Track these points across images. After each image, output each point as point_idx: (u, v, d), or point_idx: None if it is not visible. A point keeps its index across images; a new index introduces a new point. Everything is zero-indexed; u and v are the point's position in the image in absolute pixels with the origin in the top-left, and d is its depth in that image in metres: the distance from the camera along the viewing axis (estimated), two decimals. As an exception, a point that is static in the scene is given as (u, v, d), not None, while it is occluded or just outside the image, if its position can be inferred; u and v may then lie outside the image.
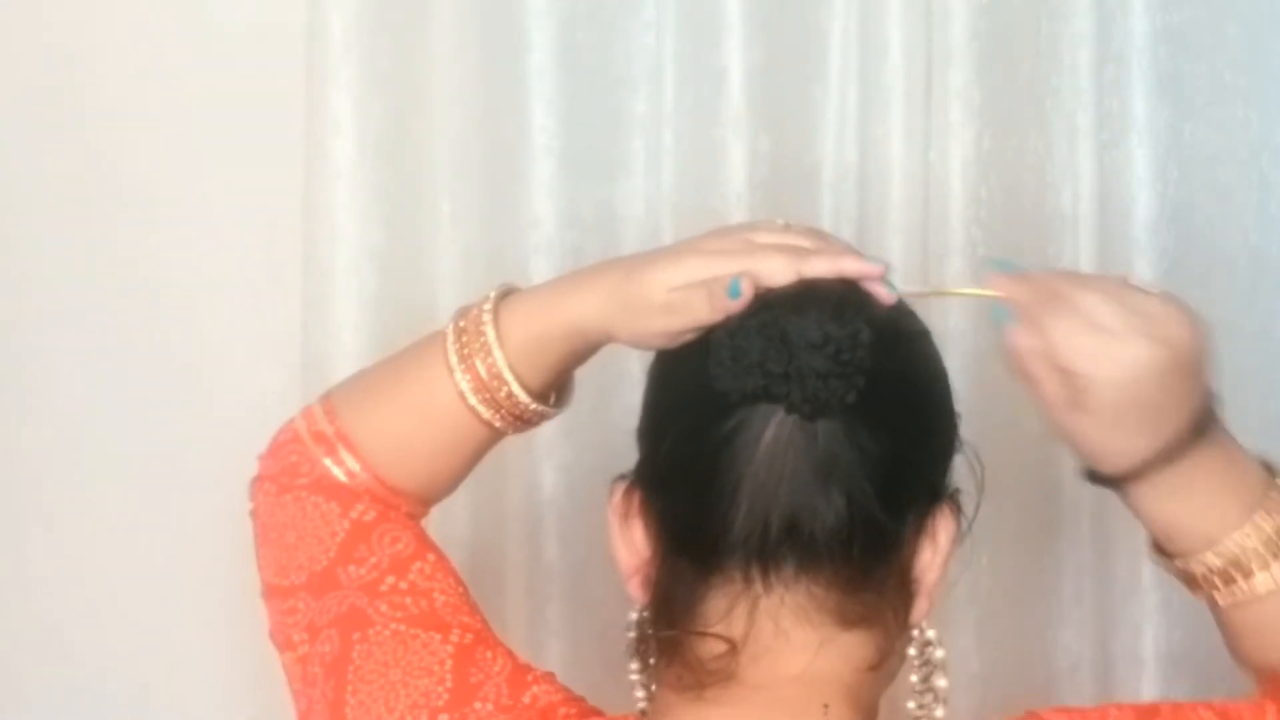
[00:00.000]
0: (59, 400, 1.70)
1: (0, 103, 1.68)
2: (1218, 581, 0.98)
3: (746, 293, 0.95)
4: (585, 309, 1.03)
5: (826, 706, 0.95)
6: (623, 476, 1.01)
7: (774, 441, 0.93)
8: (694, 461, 0.95)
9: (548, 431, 1.50)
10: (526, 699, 1.00)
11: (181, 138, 1.66)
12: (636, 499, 0.99)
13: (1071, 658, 1.53)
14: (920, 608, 0.98)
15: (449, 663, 1.02)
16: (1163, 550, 1.01)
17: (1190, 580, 1.00)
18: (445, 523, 1.53)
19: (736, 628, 0.95)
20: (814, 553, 0.93)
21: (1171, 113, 1.47)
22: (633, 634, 1.00)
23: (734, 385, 0.94)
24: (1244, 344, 1.48)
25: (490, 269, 1.54)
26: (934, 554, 0.97)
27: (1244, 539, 0.97)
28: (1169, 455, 0.97)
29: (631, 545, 0.99)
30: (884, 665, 0.97)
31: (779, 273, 0.96)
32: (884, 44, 1.48)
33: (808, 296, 0.96)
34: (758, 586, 0.94)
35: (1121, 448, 0.97)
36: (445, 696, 1.01)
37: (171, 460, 1.67)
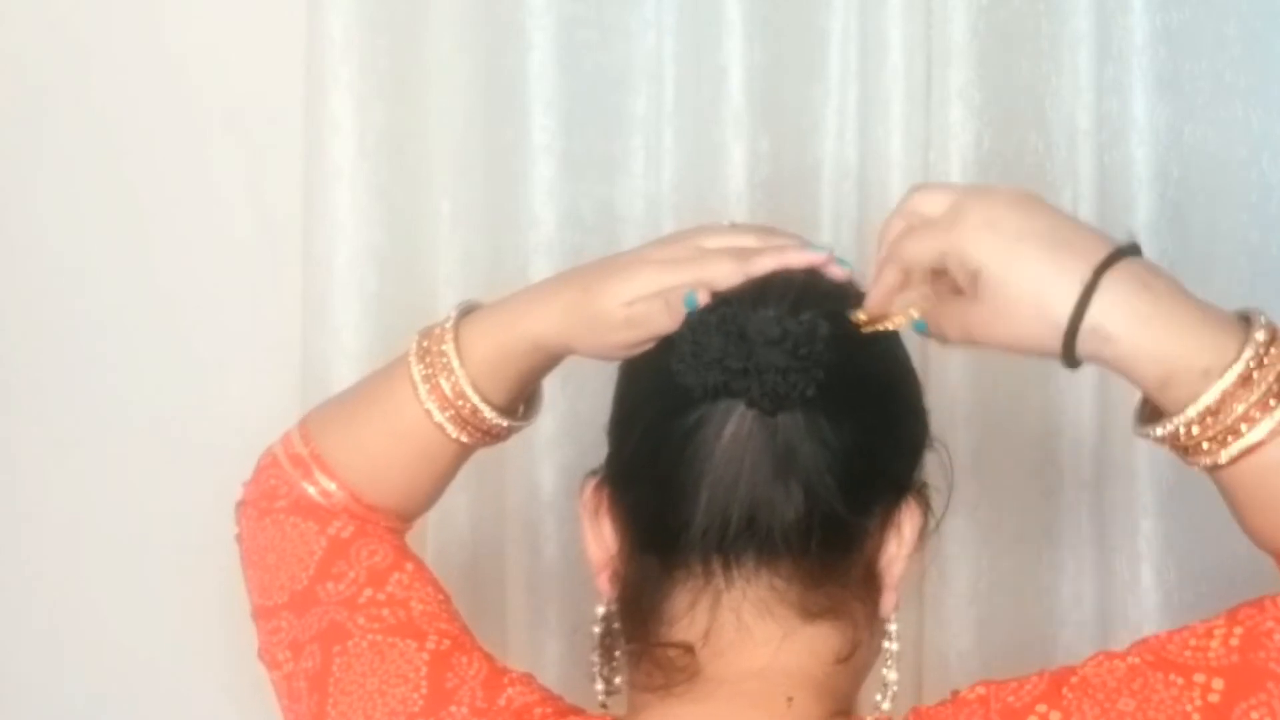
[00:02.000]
0: (58, 400, 1.70)
1: (2, 104, 1.68)
2: (1217, 432, 0.89)
3: (703, 302, 0.96)
4: (544, 326, 1.04)
5: (790, 700, 0.96)
6: (593, 472, 1.02)
7: (734, 436, 0.94)
8: (656, 457, 0.96)
9: (548, 431, 1.51)
10: (502, 701, 1.01)
11: (182, 137, 1.66)
12: (605, 495, 1.01)
13: (1071, 658, 1.52)
14: (888, 601, 0.99)
15: (424, 669, 1.03)
16: (1155, 418, 0.92)
17: (1188, 444, 0.91)
18: (445, 523, 1.54)
19: (700, 623, 0.96)
20: (773, 546, 0.95)
21: (1171, 113, 1.47)
22: (598, 628, 1.02)
23: (695, 381, 0.95)
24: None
25: (490, 269, 1.54)
26: (899, 547, 0.98)
27: (1244, 366, 0.88)
28: (1106, 267, 0.89)
29: (601, 540, 1.01)
30: (854, 658, 0.98)
31: (728, 277, 0.98)
32: (884, 44, 1.48)
33: (767, 291, 0.97)
34: (719, 581, 0.96)
35: (1048, 285, 0.89)
36: (420, 703, 1.02)
37: (171, 460, 1.67)
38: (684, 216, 1.49)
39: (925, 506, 1.00)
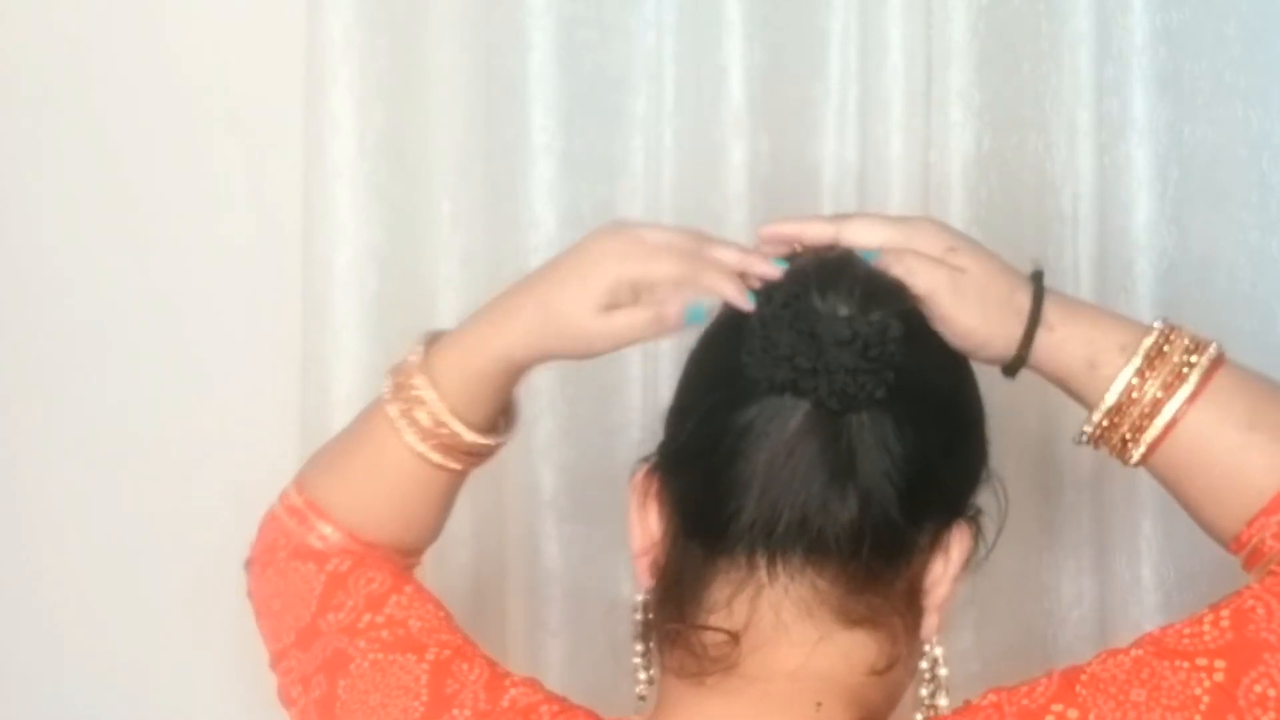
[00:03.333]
0: (58, 400, 1.70)
1: (1, 104, 1.68)
2: (1137, 418, 1.00)
3: (711, 312, 0.99)
4: (517, 344, 1.05)
5: (819, 705, 0.95)
6: (646, 458, 1.02)
7: (796, 433, 0.94)
8: (715, 445, 0.96)
9: (547, 432, 1.51)
10: (505, 702, 1.01)
11: (182, 137, 1.66)
12: (656, 481, 1.01)
13: (1071, 658, 1.51)
14: (930, 623, 0.98)
15: (424, 678, 1.03)
16: (1090, 424, 1.02)
17: (1118, 435, 1.01)
18: (446, 523, 1.54)
19: (738, 616, 0.96)
20: (823, 547, 0.94)
21: (1171, 113, 1.47)
22: (638, 616, 1.02)
23: (763, 375, 0.95)
24: (1244, 344, 1.47)
25: (490, 269, 1.54)
26: (945, 568, 0.98)
27: (1152, 342, 1.00)
28: (1040, 284, 1.02)
29: (645, 527, 1.01)
30: (890, 672, 0.97)
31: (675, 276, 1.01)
32: (884, 44, 1.48)
33: (838, 287, 0.97)
34: (762, 575, 0.95)
35: (1012, 292, 1.01)
36: (421, 710, 1.02)
37: (171, 460, 1.67)
38: (684, 216, 1.49)
39: (976, 533, 1.00)
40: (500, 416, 1.12)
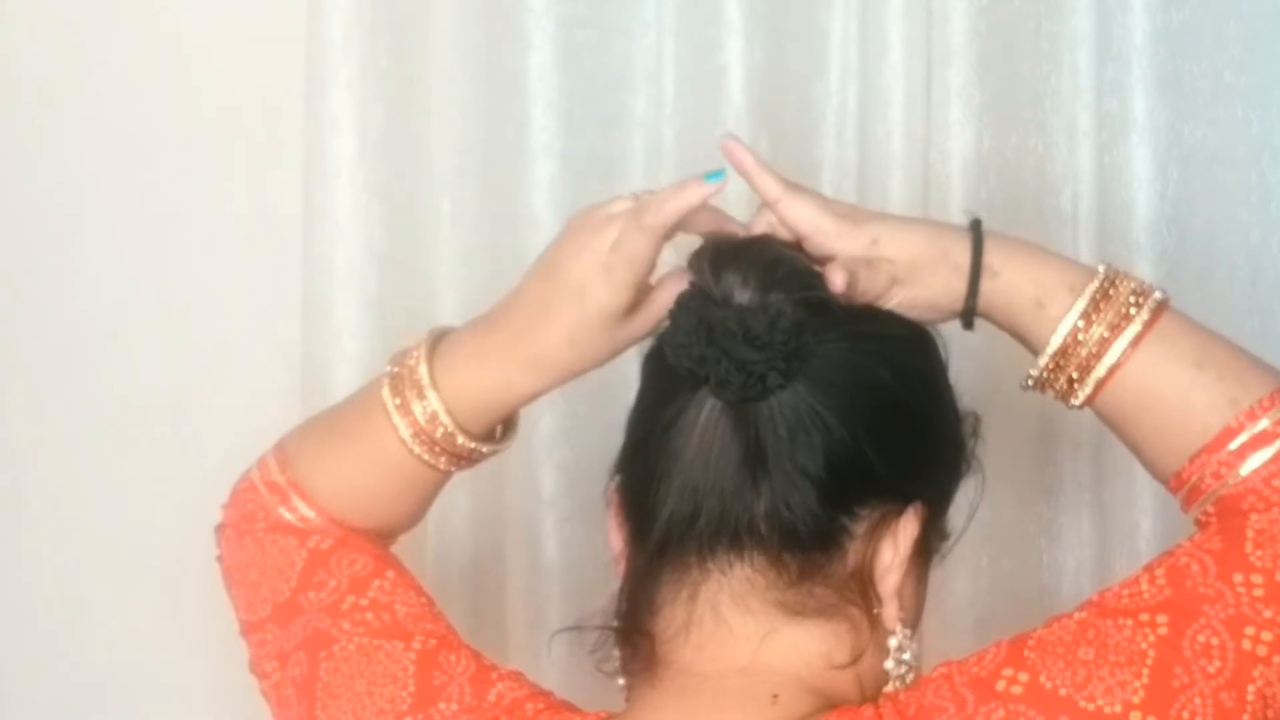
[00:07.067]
0: (58, 400, 1.70)
1: (1, 104, 1.68)
2: (1084, 359, 1.00)
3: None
4: (535, 390, 1.06)
5: (775, 697, 0.95)
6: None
7: (706, 425, 0.94)
8: (645, 444, 0.97)
9: (548, 431, 1.51)
10: (492, 696, 1.02)
11: (182, 137, 1.66)
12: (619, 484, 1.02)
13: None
14: (888, 611, 0.98)
15: (411, 668, 1.04)
16: (1036, 367, 1.03)
17: (1063, 376, 1.01)
18: (445, 524, 1.54)
19: (680, 614, 0.97)
20: (745, 539, 0.95)
21: (1171, 113, 1.47)
22: (617, 622, 1.02)
23: (673, 360, 0.95)
24: (1244, 344, 1.48)
25: (490, 269, 1.54)
26: (894, 556, 0.97)
27: (1099, 285, 1.01)
28: (974, 233, 1.02)
29: (619, 530, 1.02)
30: (858, 664, 0.97)
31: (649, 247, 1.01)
32: (884, 44, 1.48)
33: (737, 267, 0.96)
34: (695, 571, 0.96)
35: (945, 253, 1.02)
36: (409, 701, 1.02)
37: (171, 460, 1.67)
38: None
39: (930, 521, 1.00)
40: (500, 424, 1.12)
